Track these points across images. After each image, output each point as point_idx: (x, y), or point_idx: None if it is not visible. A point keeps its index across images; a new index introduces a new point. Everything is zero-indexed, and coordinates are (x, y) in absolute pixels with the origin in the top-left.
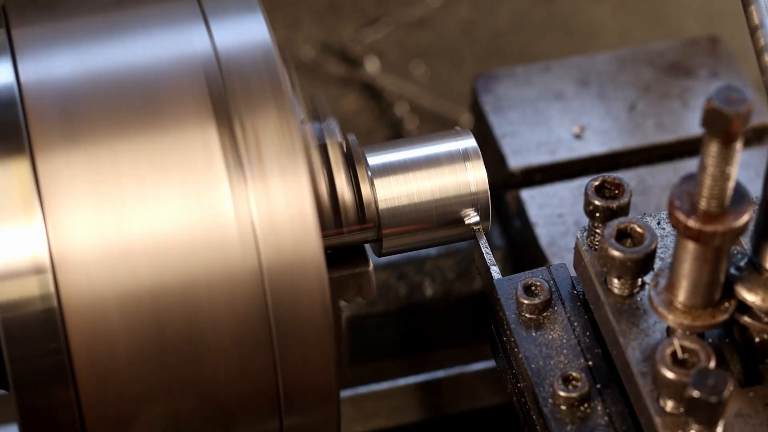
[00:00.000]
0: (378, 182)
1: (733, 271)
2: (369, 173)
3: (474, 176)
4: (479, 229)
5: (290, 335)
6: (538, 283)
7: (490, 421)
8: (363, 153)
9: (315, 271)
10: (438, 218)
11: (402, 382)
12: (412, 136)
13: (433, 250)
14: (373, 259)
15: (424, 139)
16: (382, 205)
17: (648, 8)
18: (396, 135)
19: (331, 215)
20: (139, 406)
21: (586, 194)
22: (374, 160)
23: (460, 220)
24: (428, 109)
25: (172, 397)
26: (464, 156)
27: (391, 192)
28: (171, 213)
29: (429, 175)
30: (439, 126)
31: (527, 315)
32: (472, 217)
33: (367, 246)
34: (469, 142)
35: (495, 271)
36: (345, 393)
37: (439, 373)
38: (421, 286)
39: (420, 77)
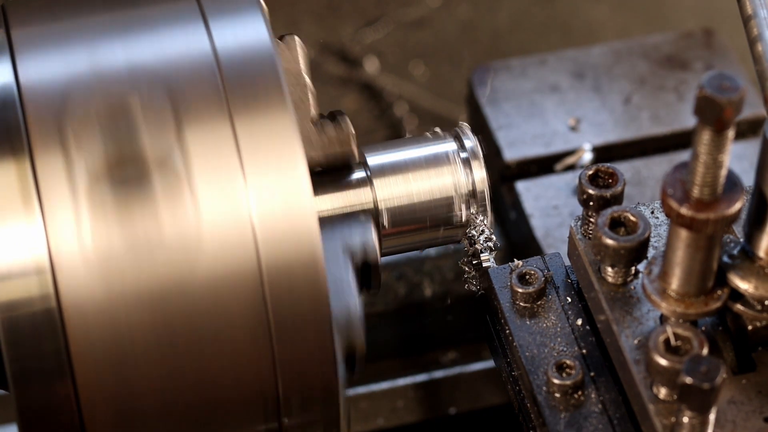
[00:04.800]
0: (377, 182)
1: (726, 259)
2: (368, 173)
3: (474, 176)
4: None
5: (290, 335)
6: (533, 272)
7: (490, 421)
8: (362, 152)
9: (315, 271)
10: (438, 218)
11: (402, 382)
12: (411, 136)
13: (432, 250)
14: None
15: (423, 139)
16: (381, 205)
17: (647, 8)
18: (395, 135)
19: (330, 213)
20: (138, 406)
21: (580, 183)
22: (374, 160)
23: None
24: (428, 109)
25: (171, 396)
26: (464, 156)
27: (391, 192)
28: (170, 212)
29: (429, 175)
30: (438, 126)
31: (521, 303)
32: (486, 262)
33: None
34: (469, 142)
35: (490, 262)
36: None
37: (439, 373)
38: (421, 286)
39: (419, 77)
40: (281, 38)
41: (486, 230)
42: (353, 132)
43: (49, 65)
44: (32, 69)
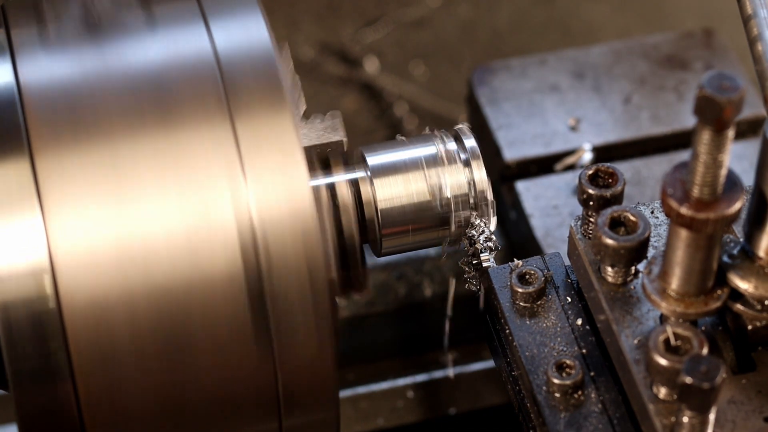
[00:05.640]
0: (377, 182)
1: (725, 259)
2: (368, 173)
3: (474, 176)
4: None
5: (290, 336)
6: (533, 272)
7: (490, 421)
8: (363, 153)
9: (314, 271)
10: (438, 218)
11: (402, 382)
12: (411, 136)
13: (432, 250)
14: (372, 259)
15: (423, 139)
16: (381, 205)
17: (647, 8)
18: (395, 135)
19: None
20: (138, 406)
21: (579, 183)
22: (374, 160)
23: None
24: (427, 109)
25: (170, 397)
26: (464, 156)
27: (391, 192)
28: (170, 213)
29: (429, 174)
30: (438, 126)
31: (521, 303)
32: (486, 262)
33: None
34: (469, 142)
35: (490, 262)
36: (344, 393)
37: (439, 373)
38: (421, 286)
39: (419, 77)
40: None
41: (486, 231)
42: (341, 118)
43: (49, 65)
44: (32, 69)
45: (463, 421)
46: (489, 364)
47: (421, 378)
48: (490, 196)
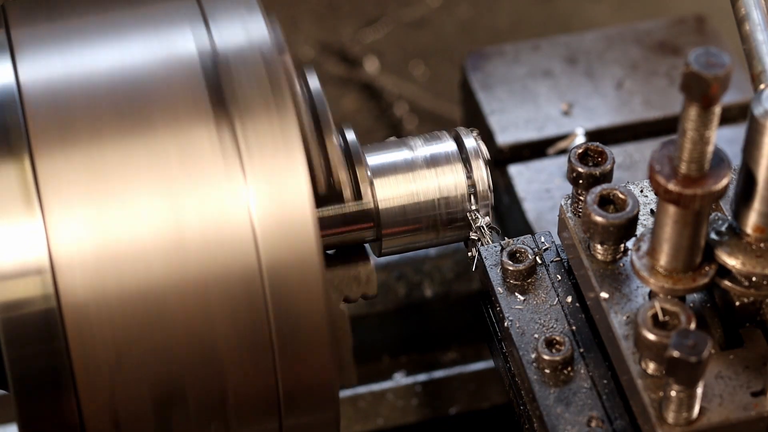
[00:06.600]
0: (377, 182)
1: (713, 235)
2: (368, 173)
3: (474, 176)
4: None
5: (289, 336)
6: (523, 250)
7: (490, 421)
8: (362, 152)
9: (314, 272)
10: (438, 218)
11: (402, 381)
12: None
13: (432, 250)
14: (372, 259)
15: (424, 139)
16: (381, 205)
17: (647, 8)
18: (395, 135)
19: (330, 213)
20: (139, 406)
21: (569, 161)
22: (374, 160)
23: (460, 220)
24: (427, 109)
25: (171, 397)
26: (464, 156)
27: (391, 192)
28: (171, 213)
29: (429, 174)
30: (438, 126)
31: (512, 281)
32: (481, 220)
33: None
34: (469, 142)
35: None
36: (344, 393)
37: (439, 373)
38: (421, 286)
39: (419, 77)
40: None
41: (486, 234)
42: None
43: (49, 65)
44: (32, 69)
45: (463, 421)
46: (489, 364)
47: (421, 378)
48: (490, 196)
